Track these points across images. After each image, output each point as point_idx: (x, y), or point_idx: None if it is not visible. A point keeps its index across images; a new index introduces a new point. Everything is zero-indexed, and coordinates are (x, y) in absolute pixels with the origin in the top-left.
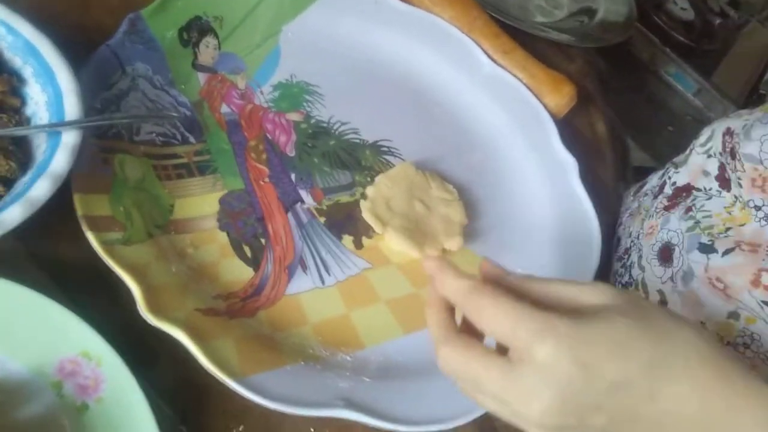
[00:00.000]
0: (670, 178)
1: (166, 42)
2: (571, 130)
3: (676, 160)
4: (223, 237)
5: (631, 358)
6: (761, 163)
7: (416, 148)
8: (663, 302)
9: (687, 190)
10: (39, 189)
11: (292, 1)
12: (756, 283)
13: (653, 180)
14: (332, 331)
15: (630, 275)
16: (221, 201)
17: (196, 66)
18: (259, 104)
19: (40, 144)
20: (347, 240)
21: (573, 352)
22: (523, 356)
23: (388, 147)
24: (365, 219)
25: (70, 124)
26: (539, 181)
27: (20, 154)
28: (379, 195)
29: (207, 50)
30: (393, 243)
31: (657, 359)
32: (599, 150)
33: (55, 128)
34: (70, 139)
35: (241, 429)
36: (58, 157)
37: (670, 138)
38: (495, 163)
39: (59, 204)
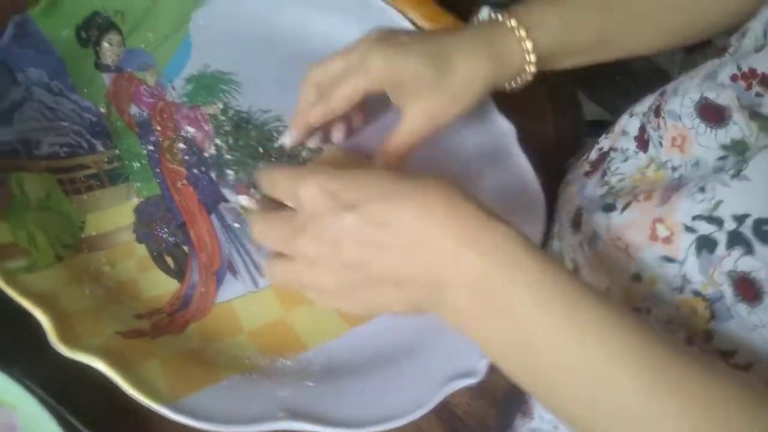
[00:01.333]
0: (598, 143)
1: (62, 43)
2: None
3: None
4: (141, 249)
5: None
6: (680, 119)
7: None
8: (576, 269)
9: (608, 153)
10: None
11: None
12: (653, 236)
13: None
14: (271, 336)
15: (552, 249)
16: (137, 210)
17: (99, 66)
18: (171, 100)
19: None
20: None
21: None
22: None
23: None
24: None
25: None
26: (477, 154)
27: None
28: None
29: (110, 48)
30: None
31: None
32: (540, 110)
33: None
34: None
35: None
36: None
37: (621, 87)
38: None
39: None
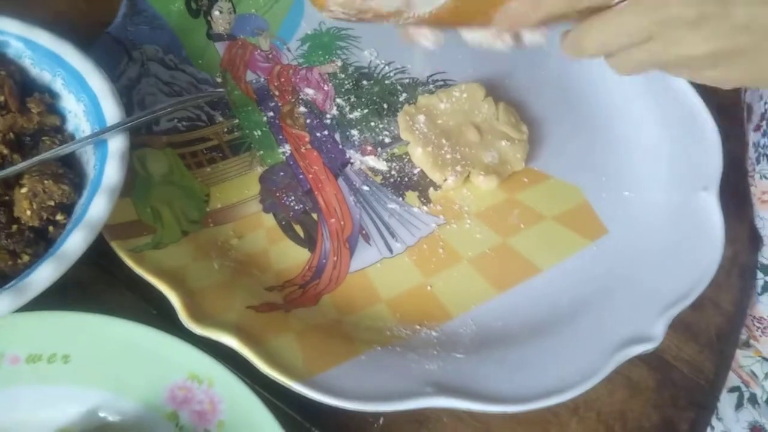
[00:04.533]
0: None
1: (173, 16)
2: None
3: None
4: (269, 219)
5: None
6: None
7: (479, 75)
8: None
9: None
10: (96, 208)
11: None
12: None
13: None
14: (411, 305)
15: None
16: (262, 179)
17: (212, 36)
18: (287, 63)
19: (89, 159)
20: (411, 197)
21: None
22: None
23: (444, 80)
24: (398, 122)
25: (111, 129)
26: (639, 91)
27: (72, 174)
28: (429, 105)
29: (221, 16)
30: (414, 158)
31: None
32: None
33: (97, 138)
34: (116, 145)
35: (381, 422)
36: (109, 169)
37: None
38: (581, 85)
39: None
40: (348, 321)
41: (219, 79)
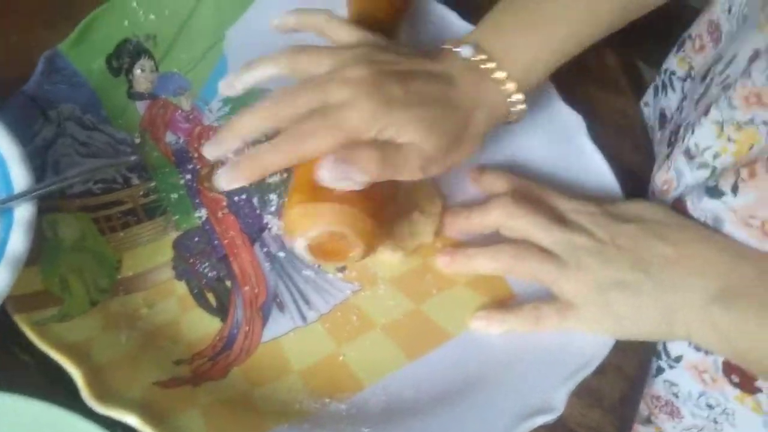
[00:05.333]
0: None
1: (94, 75)
2: (577, 69)
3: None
4: (181, 287)
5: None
6: (749, 76)
7: None
8: None
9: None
10: None
11: (231, 2)
12: None
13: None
14: (323, 376)
15: None
16: (176, 245)
17: (132, 95)
18: (209, 124)
19: None
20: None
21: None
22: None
23: None
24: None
25: (18, 197)
26: (545, 153)
27: None
28: None
29: (143, 75)
30: None
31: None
32: (614, 82)
33: (3, 207)
34: (23, 214)
35: None
36: (13, 239)
37: (660, 33)
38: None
39: None
40: (258, 394)
41: (138, 140)
